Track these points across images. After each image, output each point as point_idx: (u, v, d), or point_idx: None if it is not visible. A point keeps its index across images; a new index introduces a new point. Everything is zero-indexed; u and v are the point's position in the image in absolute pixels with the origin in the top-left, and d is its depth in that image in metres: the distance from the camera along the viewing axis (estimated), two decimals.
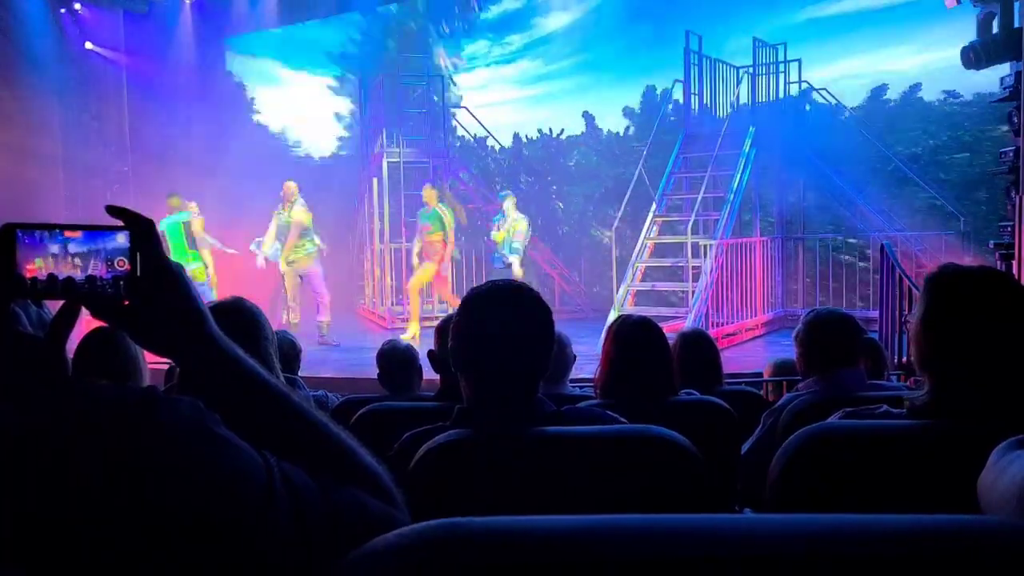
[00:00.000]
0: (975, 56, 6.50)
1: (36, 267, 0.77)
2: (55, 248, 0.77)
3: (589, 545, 0.56)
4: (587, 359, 6.98)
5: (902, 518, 0.63)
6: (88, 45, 12.80)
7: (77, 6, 12.60)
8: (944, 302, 1.45)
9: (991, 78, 6.99)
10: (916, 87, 10.93)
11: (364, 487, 0.80)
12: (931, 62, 10.38)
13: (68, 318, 0.79)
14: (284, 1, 13.65)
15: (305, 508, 0.73)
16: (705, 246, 9.08)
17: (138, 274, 0.79)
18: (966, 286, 1.46)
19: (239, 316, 1.72)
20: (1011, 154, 6.35)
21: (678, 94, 10.84)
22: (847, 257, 10.32)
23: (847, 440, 1.43)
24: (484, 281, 1.76)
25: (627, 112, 13.33)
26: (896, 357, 5.47)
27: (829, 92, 10.88)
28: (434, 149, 11.53)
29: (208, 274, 8.92)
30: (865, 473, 1.39)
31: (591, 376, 4.82)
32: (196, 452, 0.69)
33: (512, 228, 9.60)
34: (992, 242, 6.89)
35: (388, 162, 11.19)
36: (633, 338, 2.46)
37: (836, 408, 1.76)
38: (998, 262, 6.53)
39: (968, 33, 6.84)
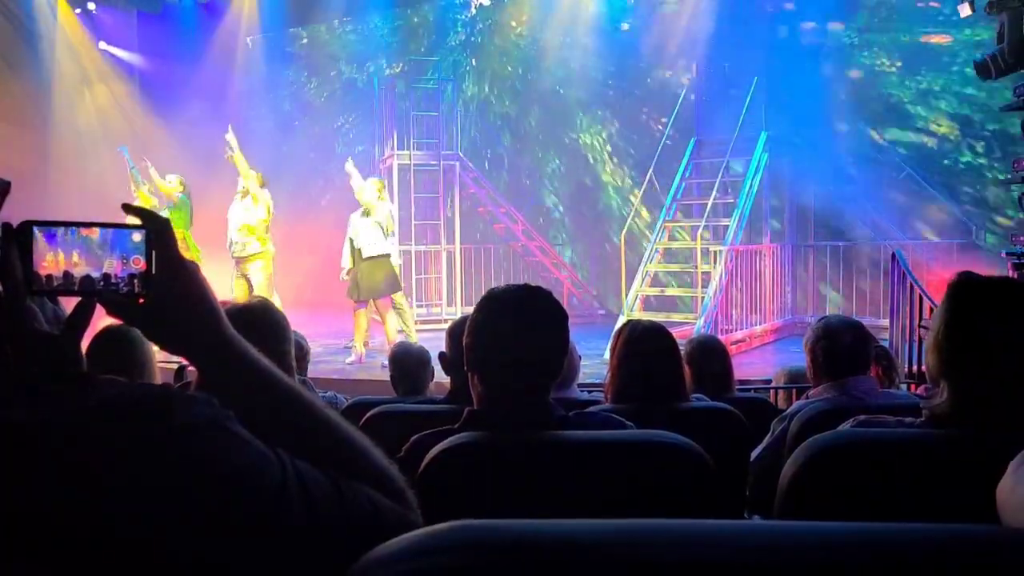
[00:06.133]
0: (989, 67, 6.46)
1: (53, 264, 0.77)
2: (71, 246, 0.78)
3: (609, 548, 0.56)
4: (596, 364, 7.02)
5: (917, 527, 0.62)
6: (102, 45, 12.90)
7: (91, 6, 12.70)
8: (965, 310, 1.45)
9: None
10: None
11: (377, 487, 0.80)
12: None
13: (84, 315, 0.79)
14: (298, 3, 13.72)
15: (318, 506, 0.73)
16: (715, 252, 9.06)
17: (153, 272, 0.79)
18: (987, 295, 1.46)
19: (265, 317, 1.75)
20: None
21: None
22: (858, 265, 10.27)
23: (861, 449, 1.43)
24: (499, 284, 1.78)
25: None
26: (907, 366, 5.44)
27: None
28: (444, 151, 11.54)
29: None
30: (880, 482, 1.38)
31: (598, 381, 4.83)
32: (210, 450, 0.70)
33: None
34: (1004, 251, 6.86)
35: (398, 164, 11.21)
36: (643, 344, 2.46)
37: (847, 416, 1.76)
38: (1010, 271, 6.50)
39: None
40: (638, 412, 2.09)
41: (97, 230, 0.79)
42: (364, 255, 8.00)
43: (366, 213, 8.07)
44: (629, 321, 2.68)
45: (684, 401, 2.45)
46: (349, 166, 8.36)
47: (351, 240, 8.14)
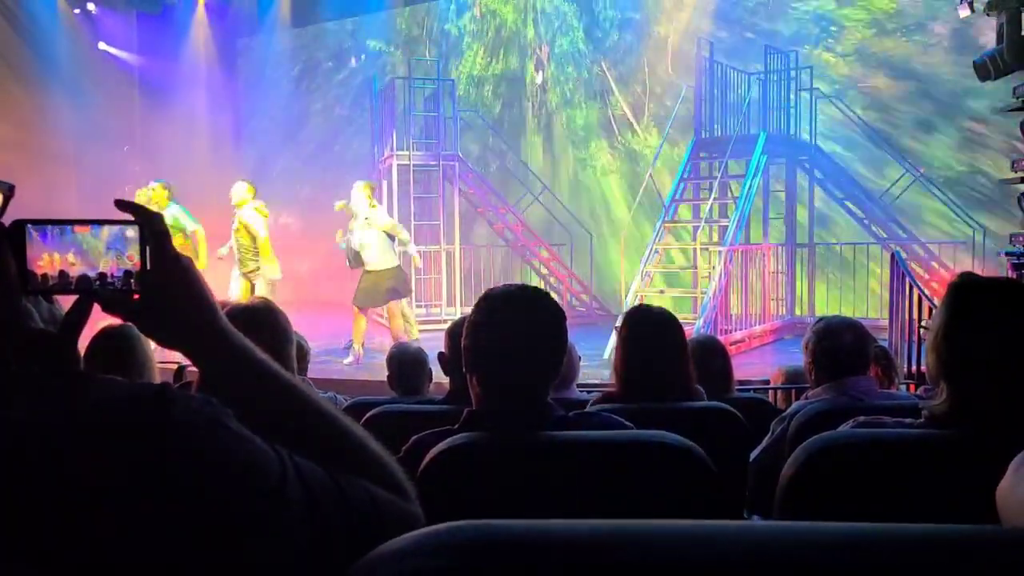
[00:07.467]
0: (988, 67, 6.45)
1: (49, 264, 0.77)
2: (68, 245, 0.77)
3: (610, 549, 0.56)
4: (595, 364, 7.02)
5: (916, 528, 0.62)
6: (102, 46, 12.91)
7: (91, 7, 12.71)
8: (967, 311, 1.45)
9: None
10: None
11: (376, 480, 0.80)
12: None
13: (81, 314, 0.79)
14: (297, 3, 13.73)
15: (318, 502, 0.73)
16: (714, 252, 9.05)
17: (148, 268, 0.79)
18: (987, 296, 1.46)
19: (268, 317, 1.75)
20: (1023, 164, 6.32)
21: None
22: (857, 265, 10.27)
23: (861, 449, 1.42)
24: (499, 284, 1.77)
25: None
26: (907, 366, 5.44)
27: (840, 100, 10.83)
28: (443, 152, 11.53)
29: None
30: (879, 483, 1.38)
31: (597, 381, 4.82)
32: (209, 447, 0.69)
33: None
34: (1003, 251, 6.85)
35: (398, 164, 11.20)
36: (648, 332, 2.44)
37: (846, 416, 1.76)
38: (1009, 271, 6.50)
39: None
40: (638, 412, 2.08)
41: (91, 227, 0.79)
42: (369, 268, 7.89)
43: (367, 224, 7.90)
44: (636, 306, 2.67)
45: (690, 397, 2.44)
46: (340, 207, 8.21)
47: (348, 242, 8.04)
